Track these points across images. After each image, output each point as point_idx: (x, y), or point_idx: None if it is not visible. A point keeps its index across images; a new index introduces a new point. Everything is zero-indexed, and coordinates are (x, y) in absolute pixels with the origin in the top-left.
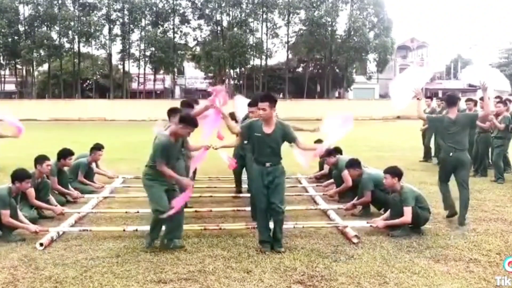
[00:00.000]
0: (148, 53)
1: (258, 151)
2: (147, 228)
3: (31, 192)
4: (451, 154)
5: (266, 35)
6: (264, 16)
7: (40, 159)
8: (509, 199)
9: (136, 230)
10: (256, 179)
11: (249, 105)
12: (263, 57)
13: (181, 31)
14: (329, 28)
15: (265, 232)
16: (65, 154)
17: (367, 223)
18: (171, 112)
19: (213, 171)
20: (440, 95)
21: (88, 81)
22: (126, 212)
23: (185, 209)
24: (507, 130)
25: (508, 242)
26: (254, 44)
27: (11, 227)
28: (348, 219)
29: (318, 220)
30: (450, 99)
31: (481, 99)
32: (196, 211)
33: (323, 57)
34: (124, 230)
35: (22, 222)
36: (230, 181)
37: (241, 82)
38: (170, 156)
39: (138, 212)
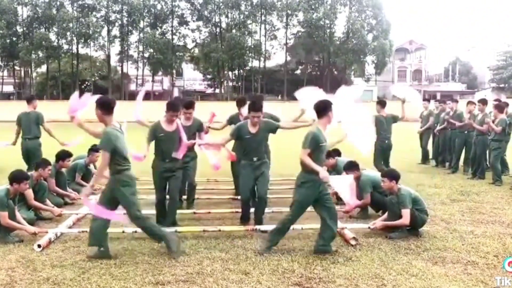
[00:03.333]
0: (146, 55)
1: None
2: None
3: (30, 193)
4: (386, 141)
5: (265, 37)
6: (263, 18)
7: (43, 164)
8: (506, 202)
9: (135, 231)
10: (245, 172)
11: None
12: (262, 59)
13: (179, 33)
14: (328, 30)
15: (246, 214)
16: (63, 155)
17: (369, 228)
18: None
19: (212, 173)
20: (438, 97)
21: (86, 83)
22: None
23: (184, 211)
24: (504, 132)
25: (506, 245)
26: (252, 46)
27: (9, 229)
28: (346, 221)
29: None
30: (381, 103)
31: (479, 101)
32: (194, 213)
33: (321, 59)
34: (123, 232)
35: (20, 223)
36: (228, 182)
37: (239, 83)
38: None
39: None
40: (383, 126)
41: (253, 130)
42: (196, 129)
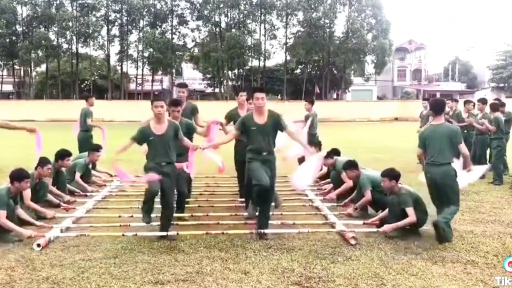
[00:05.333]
0: (146, 54)
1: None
2: (146, 234)
3: (27, 193)
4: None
5: (264, 36)
6: (262, 17)
7: (42, 162)
8: (506, 201)
9: (136, 234)
10: (255, 164)
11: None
12: (261, 58)
13: (179, 32)
14: (327, 30)
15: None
16: (62, 155)
17: (364, 223)
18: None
19: (212, 171)
20: (438, 96)
21: (86, 82)
22: (119, 216)
23: (184, 214)
24: (502, 130)
25: (506, 244)
26: (252, 46)
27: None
28: (346, 220)
29: (316, 221)
30: (311, 102)
31: (479, 100)
32: (192, 216)
33: (321, 58)
34: (123, 235)
35: (24, 220)
36: (229, 181)
37: (239, 83)
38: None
39: (132, 216)
40: (314, 122)
41: (260, 120)
42: (185, 131)
